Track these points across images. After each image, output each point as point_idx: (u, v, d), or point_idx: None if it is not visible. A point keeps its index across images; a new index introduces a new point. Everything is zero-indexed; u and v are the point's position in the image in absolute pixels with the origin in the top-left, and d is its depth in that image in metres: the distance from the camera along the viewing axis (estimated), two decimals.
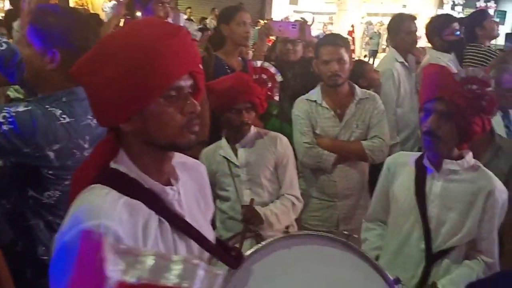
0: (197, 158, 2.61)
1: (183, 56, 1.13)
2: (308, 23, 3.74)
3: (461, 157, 2.01)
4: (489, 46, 4.38)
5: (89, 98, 1.16)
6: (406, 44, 3.83)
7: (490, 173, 2.03)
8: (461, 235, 1.97)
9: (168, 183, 1.22)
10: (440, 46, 3.94)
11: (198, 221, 1.27)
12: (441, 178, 2.01)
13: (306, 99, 2.93)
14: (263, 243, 1.46)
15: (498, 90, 3.12)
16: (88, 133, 1.75)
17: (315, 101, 2.89)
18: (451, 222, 1.98)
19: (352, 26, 18.86)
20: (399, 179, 2.12)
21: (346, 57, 2.78)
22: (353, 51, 7.39)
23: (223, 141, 2.56)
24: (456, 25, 4.01)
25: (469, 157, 2.02)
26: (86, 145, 1.74)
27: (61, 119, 1.66)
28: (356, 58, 6.36)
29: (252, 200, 2.40)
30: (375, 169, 2.64)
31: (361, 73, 3.76)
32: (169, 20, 3.15)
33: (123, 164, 1.17)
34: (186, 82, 1.15)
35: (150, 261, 0.95)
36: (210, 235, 1.30)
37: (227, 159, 2.51)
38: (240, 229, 2.38)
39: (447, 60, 3.85)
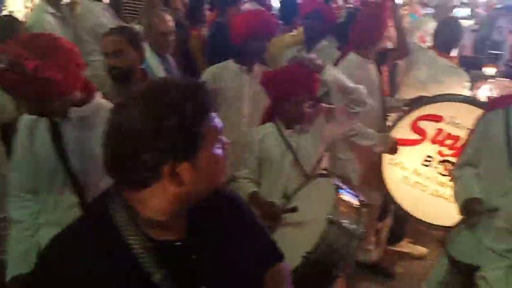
0: None
1: None
2: None
3: (89, 100, 1.91)
4: None
5: None
6: None
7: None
8: None
9: None
10: None
11: None
12: (73, 128, 1.87)
13: None
14: None
15: (151, 35, 3.19)
16: None
17: None
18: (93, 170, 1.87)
19: None
20: (38, 137, 1.90)
21: None
22: None
23: None
24: None
25: (97, 97, 1.95)
26: None
27: None
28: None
29: None
30: None
31: (9, 33, 3.36)
32: None
33: None
34: None
35: None
36: None
37: None
38: None
39: (100, 9, 3.76)
